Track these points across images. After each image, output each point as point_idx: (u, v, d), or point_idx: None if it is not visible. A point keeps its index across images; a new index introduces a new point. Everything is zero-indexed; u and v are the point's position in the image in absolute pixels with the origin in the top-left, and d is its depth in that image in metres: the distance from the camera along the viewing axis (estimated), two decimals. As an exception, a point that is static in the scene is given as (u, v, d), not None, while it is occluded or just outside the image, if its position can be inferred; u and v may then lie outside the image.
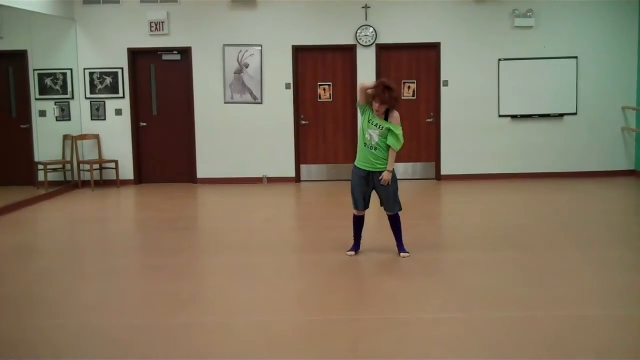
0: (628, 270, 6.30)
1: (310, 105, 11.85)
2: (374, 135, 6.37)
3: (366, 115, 6.42)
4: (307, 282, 6.09)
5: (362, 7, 11.49)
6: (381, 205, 6.61)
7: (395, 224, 6.62)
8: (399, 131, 6.34)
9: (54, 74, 11.55)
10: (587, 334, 4.66)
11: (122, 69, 11.74)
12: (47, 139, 11.36)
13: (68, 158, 11.60)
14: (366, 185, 6.51)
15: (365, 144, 6.43)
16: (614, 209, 9.46)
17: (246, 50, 11.64)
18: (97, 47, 11.72)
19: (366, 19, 11.51)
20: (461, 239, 7.67)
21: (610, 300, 5.38)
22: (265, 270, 6.43)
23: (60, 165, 11.49)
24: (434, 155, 11.82)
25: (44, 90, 11.50)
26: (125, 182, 11.83)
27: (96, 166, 11.63)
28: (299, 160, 11.86)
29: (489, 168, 11.74)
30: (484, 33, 11.56)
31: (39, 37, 11.18)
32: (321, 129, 11.89)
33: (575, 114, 11.65)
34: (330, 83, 11.80)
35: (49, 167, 11.09)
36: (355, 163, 6.55)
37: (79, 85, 11.77)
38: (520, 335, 4.67)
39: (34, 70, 11.36)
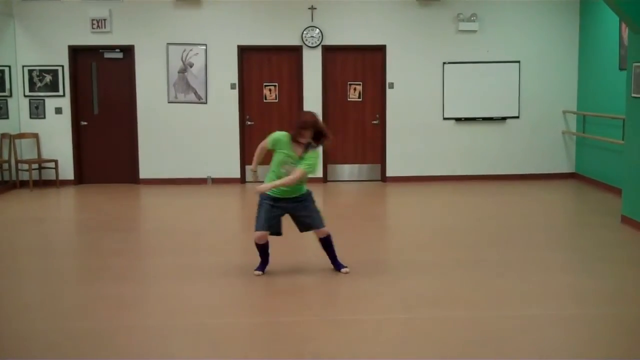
0: (568, 271, 6.40)
1: (256, 106, 11.76)
2: (291, 171, 5.86)
3: (284, 152, 5.90)
4: (250, 284, 6.01)
5: (309, 9, 11.45)
6: (306, 229, 6.13)
7: (327, 243, 6.16)
8: (314, 160, 5.90)
9: (-8, 71, 11.21)
10: (530, 334, 4.70)
11: (62, 66, 11.45)
12: (-17, 138, 11.04)
13: (6, 157, 11.24)
14: (280, 214, 6.01)
15: (278, 177, 5.90)
16: (554, 210, 9.64)
17: (190, 50, 11.49)
18: (37, 44, 11.41)
19: (312, 20, 11.48)
20: (405, 240, 7.70)
21: (552, 301, 5.45)
22: (208, 273, 6.32)
23: (-4, 165, 11.15)
24: (379, 157, 11.85)
25: (-20, 87, 11.16)
26: (65, 183, 11.54)
27: (35, 166, 11.30)
28: (244, 161, 11.75)
29: (433, 170, 11.83)
30: (429, 36, 11.65)
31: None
32: (267, 130, 11.67)
33: (517, 117, 11.83)
34: (276, 84, 11.73)
35: (-16, 166, 10.77)
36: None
37: (18, 83, 11.44)
38: (464, 335, 4.68)
39: (-30, 66, 11.03)
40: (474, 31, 11.61)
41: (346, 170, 11.91)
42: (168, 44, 11.46)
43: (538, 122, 11.85)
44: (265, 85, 11.73)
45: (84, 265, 6.80)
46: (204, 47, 11.50)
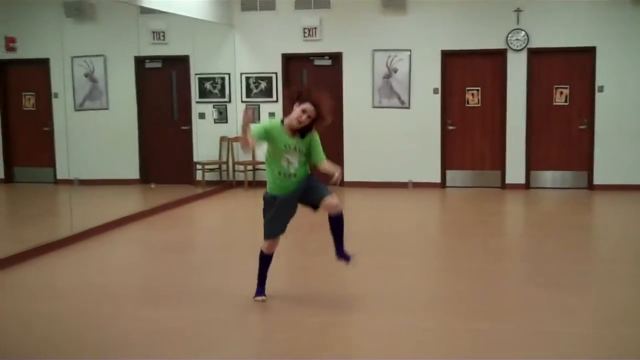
0: None
1: (458, 111, 11.81)
2: (293, 160, 5.40)
3: (279, 141, 5.36)
4: (448, 287, 6.13)
5: (514, 11, 11.31)
6: (317, 207, 5.54)
7: (338, 222, 5.60)
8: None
9: (213, 78, 12.23)
10: None
11: (276, 73, 12.21)
12: (205, 140, 12.07)
13: (224, 159, 12.22)
14: (294, 206, 5.57)
15: (280, 172, 5.42)
16: None
17: (395, 56, 11.77)
18: (254, 53, 12.26)
19: (518, 23, 11.32)
20: (610, 251, 7.44)
21: None
22: (407, 274, 6.51)
23: (216, 166, 12.14)
24: (586, 163, 11.43)
25: (203, 93, 12.23)
26: (276, 183, 12.25)
27: (250, 167, 12.15)
28: (444, 165, 11.85)
29: (646, 179, 11.21)
30: (643, 37, 11.06)
31: (200, 43, 11.87)
32: (468, 135, 11.81)
33: None
34: (478, 88, 11.71)
35: (206, 167, 11.79)
36: (271, 192, 5.55)
37: (236, 89, 12.35)
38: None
39: (195, 74, 12.11)
40: (696, 30, 10.86)
41: (549, 177, 11.61)
42: (374, 50, 11.82)
43: None
44: (468, 90, 11.75)
45: (289, 264, 7.25)
46: (408, 53, 11.74)
